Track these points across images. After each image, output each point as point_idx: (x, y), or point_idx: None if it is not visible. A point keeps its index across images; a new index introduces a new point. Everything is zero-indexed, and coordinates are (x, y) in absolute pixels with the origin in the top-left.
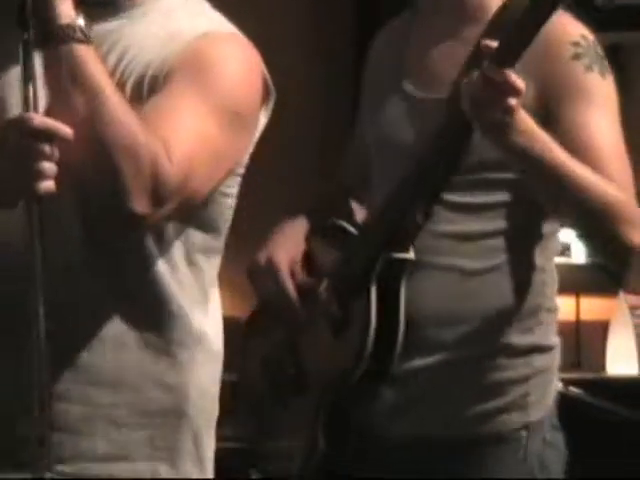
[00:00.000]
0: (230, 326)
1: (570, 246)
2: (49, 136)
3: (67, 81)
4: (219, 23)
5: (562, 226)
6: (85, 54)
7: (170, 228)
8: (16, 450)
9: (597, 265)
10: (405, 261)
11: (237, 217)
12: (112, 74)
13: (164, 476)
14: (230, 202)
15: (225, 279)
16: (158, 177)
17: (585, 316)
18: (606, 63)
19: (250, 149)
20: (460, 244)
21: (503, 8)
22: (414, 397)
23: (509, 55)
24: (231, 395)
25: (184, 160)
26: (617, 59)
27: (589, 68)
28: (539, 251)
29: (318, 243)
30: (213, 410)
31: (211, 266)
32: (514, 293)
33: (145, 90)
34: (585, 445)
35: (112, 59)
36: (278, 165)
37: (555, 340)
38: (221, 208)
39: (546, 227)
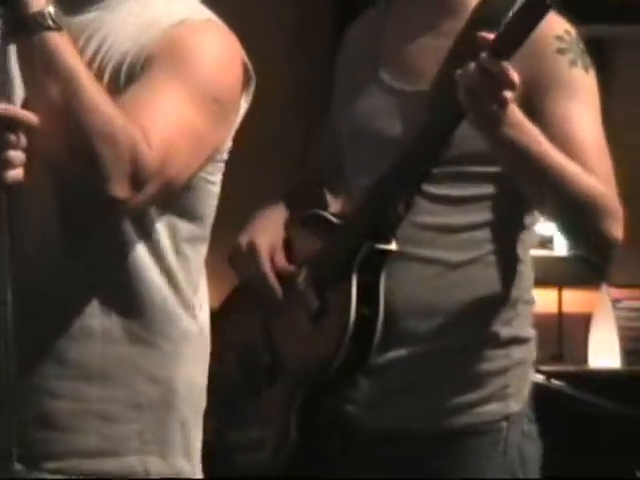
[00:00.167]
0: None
1: (552, 239)
2: (14, 124)
3: (41, 70)
4: (197, 10)
5: (545, 218)
6: (58, 42)
7: (154, 217)
8: None
9: (579, 258)
10: (386, 252)
11: (220, 207)
12: (91, 63)
13: (154, 469)
14: (214, 189)
15: (208, 268)
16: (137, 162)
17: (567, 309)
18: (588, 58)
19: (231, 135)
20: (441, 236)
21: (483, 3)
22: (392, 389)
23: (506, 47)
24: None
25: (163, 145)
26: (601, 53)
27: (573, 63)
28: (519, 243)
29: (297, 232)
30: (201, 401)
31: (197, 254)
32: (496, 285)
33: (123, 78)
34: (567, 438)
35: (91, 48)
36: (260, 156)
37: (532, 332)
38: (205, 195)
39: (527, 219)
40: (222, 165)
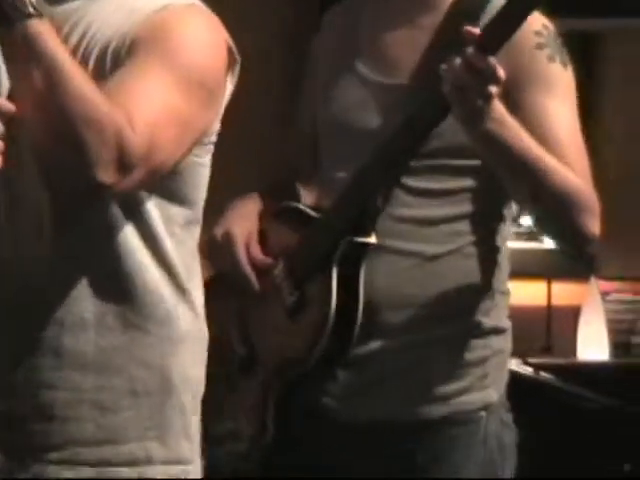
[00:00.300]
0: None
1: None
2: None
3: (24, 57)
4: None
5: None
6: (40, 29)
7: (145, 201)
8: None
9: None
10: (366, 245)
11: (210, 192)
12: (75, 50)
13: (156, 454)
14: (204, 172)
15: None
16: (123, 148)
17: (556, 301)
18: (566, 53)
19: (219, 117)
20: (421, 229)
21: None
22: (371, 380)
23: (493, 42)
24: None
25: (148, 130)
26: (589, 46)
27: (551, 58)
28: (498, 235)
29: (271, 224)
30: (199, 386)
31: (190, 237)
32: (475, 276)
33: (108, 64)
34: (555, 430)
35: (75, 36)
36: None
37: (508, 323)
38: (194, 178)
39: (506, 211)
40: (211, 147)
